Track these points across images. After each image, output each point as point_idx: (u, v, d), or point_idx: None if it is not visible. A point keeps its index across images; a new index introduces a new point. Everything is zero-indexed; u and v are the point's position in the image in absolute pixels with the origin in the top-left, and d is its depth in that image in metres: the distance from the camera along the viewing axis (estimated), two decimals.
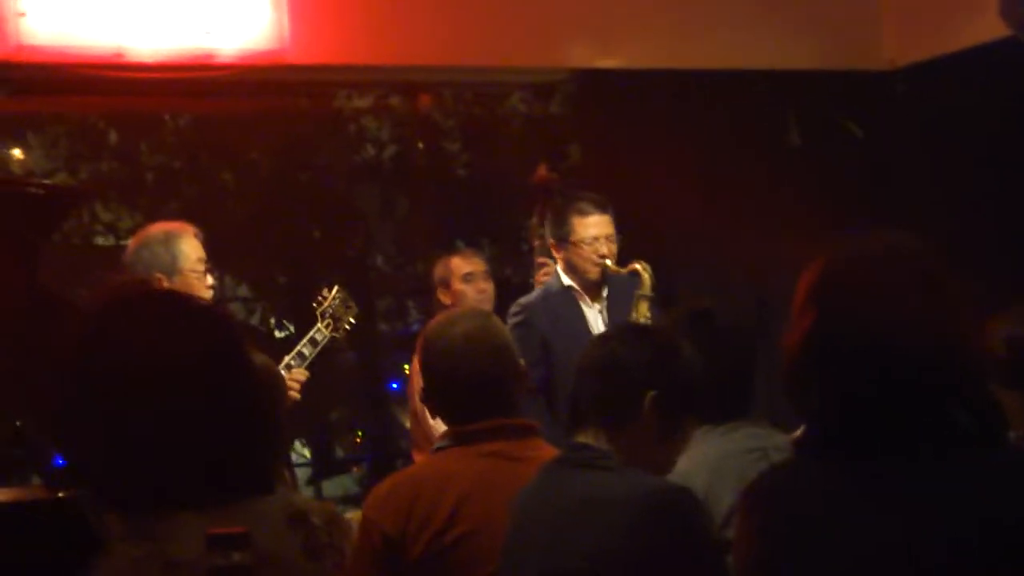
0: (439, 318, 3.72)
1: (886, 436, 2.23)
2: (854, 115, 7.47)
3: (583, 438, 3.09)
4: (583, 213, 5.61)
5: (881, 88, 7.44)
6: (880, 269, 2.31)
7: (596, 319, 5.65)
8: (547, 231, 5.78)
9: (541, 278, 5.98)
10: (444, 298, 6.22)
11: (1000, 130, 6.78)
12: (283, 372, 4.81)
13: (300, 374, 4.92)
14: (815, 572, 2.21)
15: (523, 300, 5.74)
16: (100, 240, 8.74)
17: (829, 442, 2.28)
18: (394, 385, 9.63)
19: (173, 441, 2.13)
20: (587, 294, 5.66)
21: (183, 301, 2.33)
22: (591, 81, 7.22)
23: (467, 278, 6.23)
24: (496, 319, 3.74)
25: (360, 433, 10.10)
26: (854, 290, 2.29)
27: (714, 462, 3.43)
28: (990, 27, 6.33)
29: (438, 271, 6.34)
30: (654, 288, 5.56)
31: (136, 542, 2.12)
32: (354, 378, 9.70)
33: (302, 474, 9.61)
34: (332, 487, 9.78)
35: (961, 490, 2.19)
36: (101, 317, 2.24)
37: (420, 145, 8.64)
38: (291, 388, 4.81)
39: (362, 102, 8.67)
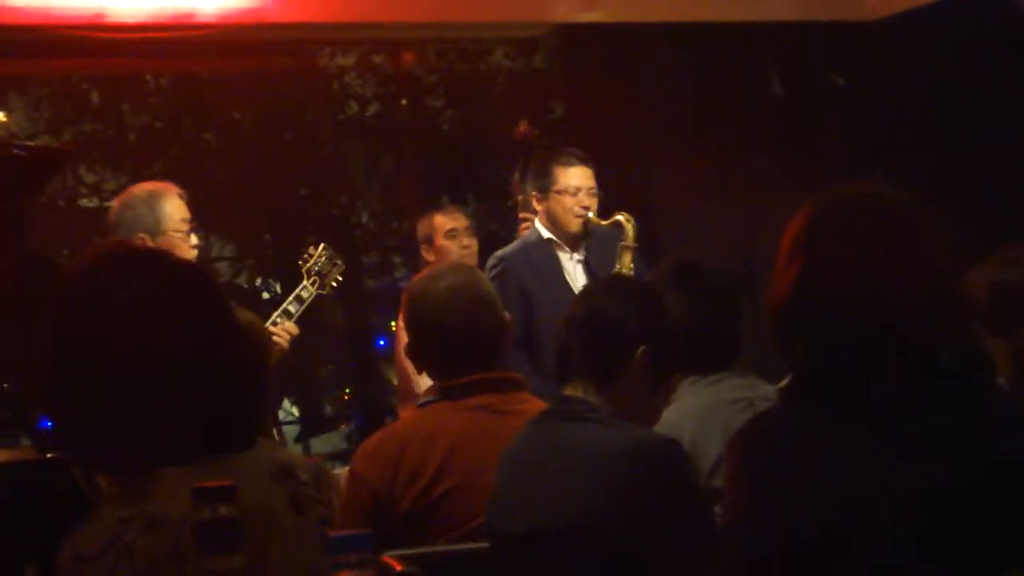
0: (423, 273, 3.70)
1: (873, 381, 2.24)
2: (837, 65, 7.45)
3: (571, 391, 3.09)
4: (567, 164, 5.59)
5: (863, 38, 7.41)
6: (862, 217, 2.32)
7: (575, 269, 5.62)
8: (529, 183, 5.74)
9: (523, 232, 5.96)
10: (428, 255, 6.21)
11: (979, 78, 6.78)
12: (271, 327, 4.82)
13: (290, 327, 4.93)
14: (800, 515, 2.21)
15: (500, 252, 5.70)
16: (84, 202, 8.71)
17: (815, 388, 2.28)
18: (381, 342, 9.62)
19: (157, 400, 2.12)
20: (567, 245, 5.63)
21: (164, 260, 2.32)
22: (574, 35, 7.17)
23: (450, 234, 6.21)
24: (480, 273, 3.73)
25: (348, 390, 10.10)
26: (838, 238, 2.30)
27: (700, 413, 3.43)
28: None
29: (421, 228, 6.32)
30: (637, 239, 5.54)
31: (122, 502, 2.11)
32: (341, 336, 9.69)
33: (291, 432, 9.62)
34: (320, 444, 9.79)
35: (947, 436, 2.20)
36: (82, 279, 2.23)
37: (404, 102, 8.63)
38: (280, 338, 4.83)
39: (345, 60, 8.63)
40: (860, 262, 2.27)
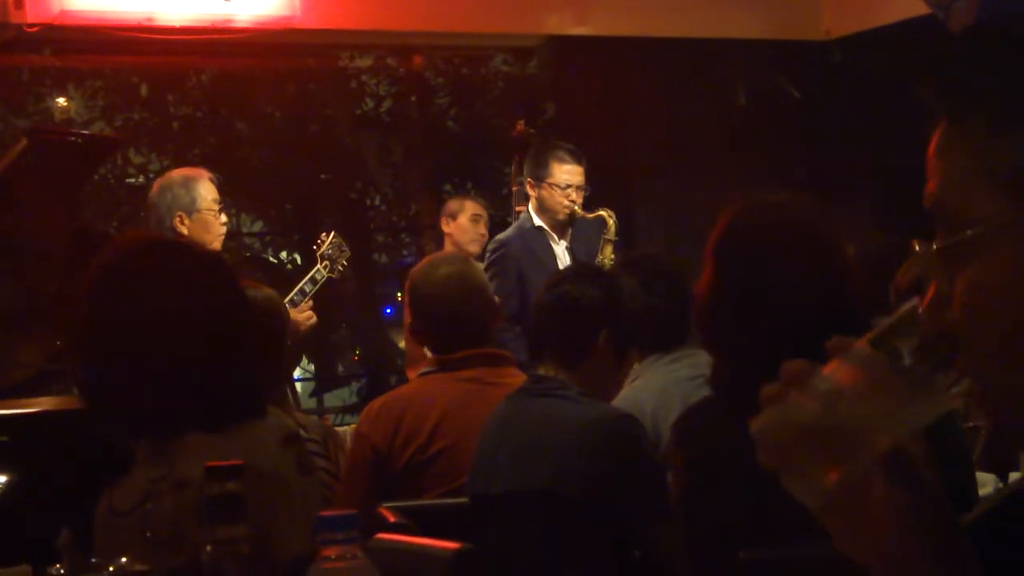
0: (423, 263, 3.75)
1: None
2: (794, 79, 7.47)
3: (543, 370, 3.10)
4: (562, 160, 5.55)
5: (818, 56, 7.43)
6: (768, 226, 2.35)
7: (563, 255, 5.60)
8: (526, 169, 5.71)
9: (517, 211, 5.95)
10: (447, 227, 6.23)
11: (915, 92, 6.80)
12: (289, 307, 4.83)
13: (306, 306, 4.94)
14: (728, 497, 2.26)
15: (500, 236, 5.69)
16: (132, 180, 8.74)
17: (734, 377, 2.32)
18: (387, 310, 9.66)
19: (177, 375, 2.13)
20: (554, 232, 5.61)
21: (189, 250, 2.33)
22: (564, 46, 7.21)
23: (475, 219, 6.24)
24: (473, 263, 3.75)
25: (357, 351, 10.12)
26: (746, 247, 2.34)
27: (660, 389, 3.43)
28: (914, 5, 6.32)
29: (451, 204, 6.34)
30: (617, 233, 5.54)
31: (153, 463, 2.13)
32: (353, 304, 9.71)
33: (307, 387, 9.65)
34: (332, 399, 9.80)
35: None
36: (115, 265, 2.23)
37: (413, 99, 8.63)
38: (303, 314, 4.86)
39: (362, 62, 8.65)
40: (763, 268, 2.30)
